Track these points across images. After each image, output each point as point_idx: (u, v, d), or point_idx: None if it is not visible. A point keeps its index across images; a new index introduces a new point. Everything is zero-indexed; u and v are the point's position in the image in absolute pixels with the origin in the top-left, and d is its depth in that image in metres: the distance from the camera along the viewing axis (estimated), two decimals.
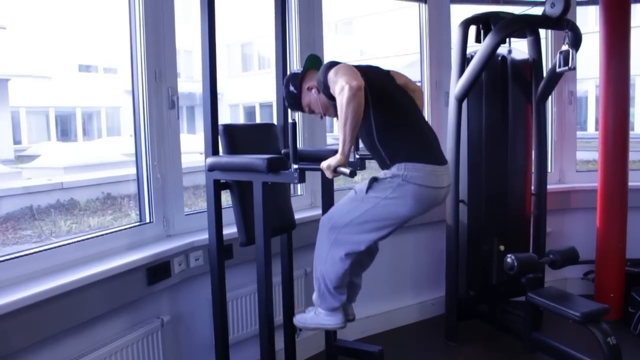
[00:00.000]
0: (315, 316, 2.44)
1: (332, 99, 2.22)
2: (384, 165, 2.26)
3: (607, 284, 3.69)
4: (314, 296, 2.43)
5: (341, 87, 2.04)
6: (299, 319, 2.52)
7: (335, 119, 2.36)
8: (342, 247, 2.28)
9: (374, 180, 2.23)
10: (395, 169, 2.20)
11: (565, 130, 4.21)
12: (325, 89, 2.22)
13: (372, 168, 2.43)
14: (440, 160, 2.29)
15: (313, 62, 2.46)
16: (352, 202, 2.28)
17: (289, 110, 2.66)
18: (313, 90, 2.38)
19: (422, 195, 2.21)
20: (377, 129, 2.24)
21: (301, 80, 2.42)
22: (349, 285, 2.46)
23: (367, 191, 2.23)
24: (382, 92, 2.29)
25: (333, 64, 2.20)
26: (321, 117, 2.51)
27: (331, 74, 2.14)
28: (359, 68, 2.22)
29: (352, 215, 2.25)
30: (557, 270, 3.22)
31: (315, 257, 2.38)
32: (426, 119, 3.81)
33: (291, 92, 2.43)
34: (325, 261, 2.31)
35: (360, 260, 2.47)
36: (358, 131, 2.17)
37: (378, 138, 2.25)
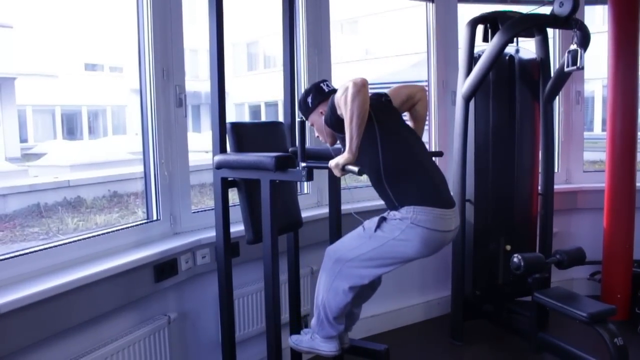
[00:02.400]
0: (311, 340, 2.48)
1: (335, 129, 2.26)
2: (391, 206, 2.27)
3: (614, 284, 3.68)
4: (312, 322, 2.46)
5: (345, 87, 2.05)
6: (294, 340, 2.55)
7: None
8: (346, 280, 2.31)
9: (382, 220, 2.25)
10: (404, 212, 2.21)
11: (572, 130, 4.20)
12: (332, 115, 2.22)
13: None
14: (448, 203, 2.30)
15: None
16: (360, 239, 2.30)
17: (297, 108, 2.66)
18: (323, 117, 2.38)
19: (430, 239, 2.22)
20: (385, 170, 2.25)
21: (321, 100, 2.42)
22: (348, 314, 2.49)
23: (375, 229, 2.24)
24: (389, 131, 2.29)
25: None
26: (317, 137, 2.53)
27: (337, 95, 2.14)
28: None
29: (359, 251, 2.28)
30: (563, 271, 3.21)
31: (317, 285, 2.42)
32: (433, 119, 3.84)
33: (307, 102, 2.44)
34: (328, 291, 2.35)
35: (362, 292, 2.49)
36: (365, 168, 2.21)
37: (386, 179, 2.25)
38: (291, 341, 2.57)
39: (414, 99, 2.50)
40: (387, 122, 2.32)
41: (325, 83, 2.47)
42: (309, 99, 2.43)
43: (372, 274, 2.31)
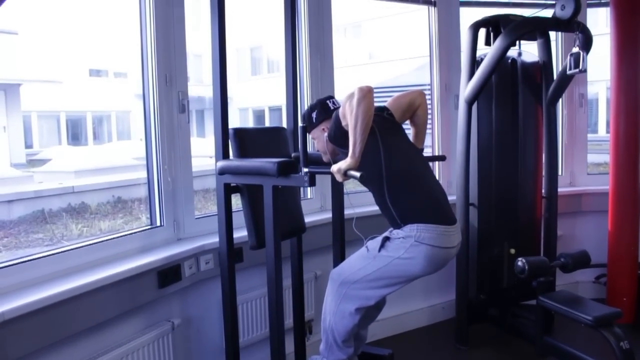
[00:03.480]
0: None
1: (338, 143, 2.28)
2: (395, 224, 2.29)
3: (620, 287, 3.66)
4: (322, 346, 2.47)
5: (351, 93, 2.06)
6: None
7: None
8: (352, 302, 2.32)
9: (386, 240, 2.26)
10: (407, 230, 2.22)
11: (576, 133, 4.19)
12: (336, 129, 2.24)
13: None
14: (451, 220, 2.31)
15: None
16: (364, 260, 2.31)
17: (299, 114, 2.67)
18: (325, 134, 2.40)
19: (434, 256, 2.23)
20: (389, 189, 2.26)
21: (325, 118, 2.44)
22: (355, 337, 2.49)
23: (379, 249, 2.26)
24: (392, 147, 2.31)
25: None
26: (317, 150, 2.54)
27: (343, 103, 2.16)
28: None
29: (364, 272, 2.29)
30: (568, 274, 3.20)
31: (324, 309, 2.43)
32: (435, 123, 3.84)
33: (311, 117, 2.47)
34: (335, 314, 2.36)
35: (368, 313, 2.49)
36: (369, 186, 2.24)
37: (390, 199, 2.27)
38: None
39: (414, 105, 2.51)
40: (390, 137, 2.33)
41: (331, 100, 2.48)
42: (314, 115, 2.46)
43: (377, 295, 2.32)
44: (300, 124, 2.26)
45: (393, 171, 2.27)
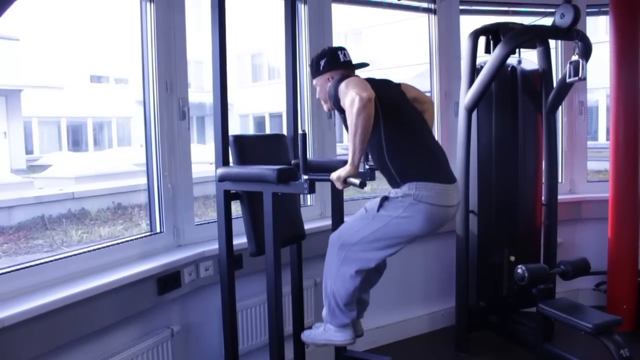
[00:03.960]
0: (324, 332, 2.46)
1: (336, 106, 2.26)
2: (393, 183, 2.28)
3: (620, 295, 3.66)
4: (324, 312, 2.44)
5: (352, 99, 2.06)
6: (307, 335, 2.53)
7: (344, 129, 2.38)
8: (352, 264, 2.29)
9: (385, 199, 2.25)
10: (406, 188, 2.21)
11: (575, 141, 4.19)
12: (335, 101, 2.24)
13: (382, 179, 2.44)
14: (449, 178, 2.31)
15: (359, 65, 2.47)
16: (362, 221, 2.29)
17: (299, 121, 2.67)
18: (329, 83, 2.38)
19: (433, 214, 2.22)
20: (387, 145, 2.26)
21: (333, 67, 2.42)
22: (357, 301, 2.47)
23: (378, 210, 2.24)
24: (392, 107, 2.31)
25: (345, 77, 2.22)
26: (317, 97, 2.54)
27: (342, 86, 2.16)
28: (371, 81, 2.23)
29: (363, 233, 2.27)
30: (568, 282, 3.20)
31: (324, 274, 2.40)
32: (436, 130, 3.85)
33: (319, 64, 2.44)
34: (336, 278, 2.33)
35: (369, 277, 2.48)
36: (368, 144, 2.18)
37: (388, 155, 2.26)
38: (304, 337, 2.54)
39: (421, 106, 2.50)
40: (390, 100, 2.33)
41: (342, 52, 2.45)
42: (322, 62, 2.44)
43: (378, 257, 2.30)
44: (299, 129, 2.27)
45: (392, 129, 2.27)
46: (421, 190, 2.19)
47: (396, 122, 2.29)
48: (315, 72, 2.47)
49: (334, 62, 2.42)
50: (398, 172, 2.26)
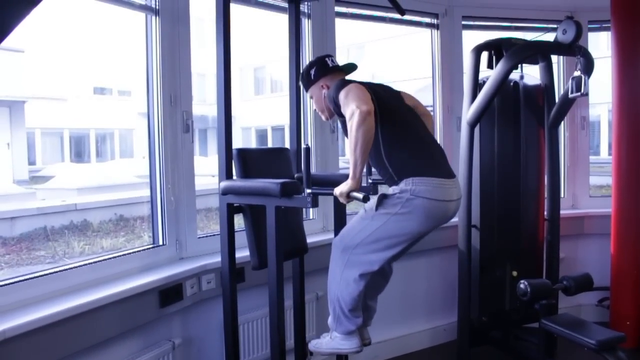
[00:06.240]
0: (330, 341, 2.42)
1: (336, 112, 2.27)
2: (391, 182, 2.27)
3: (623, 311, 3.64)
4: (330, 320, 2.41)
5: (352, 112, 2.06)
6: (314, 344, 2.50)
7: (345, 138, 2.38)
8: (356, 267, 2.27)
9: (383, 197, 2.23)
10: (403, 184, 2.20)
11: (578, 156, 4.20)
12: (335, 106, 2.25)
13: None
14: (447, 173, 2.30)
15: (349, 67, 2.48)
16: (362, 221, 2.27)
17: (302, 135, 2.68)
18: (324, 91, 2.39)
19: (432, 209, 2.20)
20: (384, 143, 2.25)
21: (324, 74, 2.43)
22: (364, 308, 2.44)
23: (376, 208, 2.22)
24: (389, 108, 2.30)
25: (345, 83, 2.23)
26: (314, 110, 2.55)
27: (342, 95, 2.17)
28: (369, 86, 2.24)
29: (364, 234, 2.24)
30: (571, 297, 3.18)
31: (329, 280, 2.37)
32: (439, 141, 3.85)
33: (309, 74, 2.45)
34: (340, 283, 2.30)
35: (375, 282, 2.45)
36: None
37: (385, 153, 2.26)
38: (311, 346, 2.51)
39: (417, 110, 2.49)
40: (387, 100, 2.33)
41: (330, 58, 2.47)
42: (312, 71, 2.44)
43: (380, 258, 2.26)
44: (303, 143, 2.27)
45: (388, 127, 2.26)
46: (418, 185, 2.18)
47: (392, 122, 2.29)
48: (308, 82, 2.46)
49: (324, 69, 2.43)
50: (395, 170, 2.24)
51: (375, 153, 2.28)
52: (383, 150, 2.26)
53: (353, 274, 2.27)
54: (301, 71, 2.53)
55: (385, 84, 2.48)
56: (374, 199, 2.26)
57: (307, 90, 2.50)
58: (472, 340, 3.40)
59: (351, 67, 2.48)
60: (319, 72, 2.43)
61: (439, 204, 2.22)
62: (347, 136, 2.16)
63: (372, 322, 2.62)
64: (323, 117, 2.53)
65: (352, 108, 2.06)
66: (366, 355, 3.25)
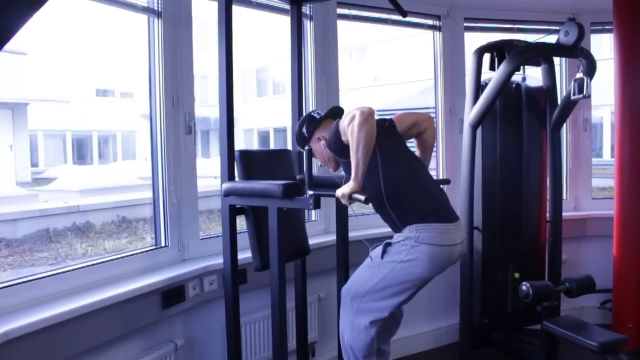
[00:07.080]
0: None
1: (337, 154, 2.29)
2: (395, 228, 2.29)
3: (626, 313, 3.63)
4: None
5: (352, 115, 2.08)
6: None
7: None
8: (366, 315, 2.29)
9: (387, 245, 2.26)
10: (407, 232, 2.22)
11: (580, 158, 4.20)
12: (336, 140, 2.26)
13: None
14: (450, 217, 2.31)
15: (335, 112, 2.50)
16: (369, 270, 2.30)
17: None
18: (322, 142, 2.42)
19: (436, 255, 2.23)
20: (386, 191, 2.27)
21: (315, 127, 2.46)
22: (378, 353, 2.44)
23: (382, 256, 2.25)
24: (390, 152, 2.32)
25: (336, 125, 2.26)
26: (321, 165, 2.56)
27: (340, 124, 2.19)
28: None
29: (371, 282, 2.27)
30: (573, 299, 3.18)
31: (340, 328, 2.40)
32: (440, 147, 3.86)
33: (302, 133, 2.49)
34: (352, 331, 2.32)
35: (387, 327, 2.46)
36: (367, 189, 2.22)
37: (388, 200, 2.27)
38: None
39: (419, 126, 2.52)
40: (388, 145, 2.34)
41: (315, 112, 2.52)
42: (304, 129, 2.48)
43: (389, 305, 2.28)
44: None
45: (390, 175, 2.28)
46: (422, 232, 2.20)
47: (394, 168, 2.31)
48: (304, 141, 2.49)
49: (314, 122, 2.47)
50: (398, 217, 2.27)
51: (377, 201, 2.30)
52: (386, 198, 2.27)
53: (364, 321, 2.29)
54: (295, 134, 2.56)
55: (380, 117, 2.45)
56: (379, 248, 2.29)
57: (305, 147, 2.50)
58: (474, 342, 3.40)
59: (337, 111, 2.50)
60: (309, 127, 2.47)
61: (444, 249, 2.24)
62: (347, 173, 2.19)
63: None
64: (330, 169, 2.54)
65: (353, 112, 2.09)
66: None
